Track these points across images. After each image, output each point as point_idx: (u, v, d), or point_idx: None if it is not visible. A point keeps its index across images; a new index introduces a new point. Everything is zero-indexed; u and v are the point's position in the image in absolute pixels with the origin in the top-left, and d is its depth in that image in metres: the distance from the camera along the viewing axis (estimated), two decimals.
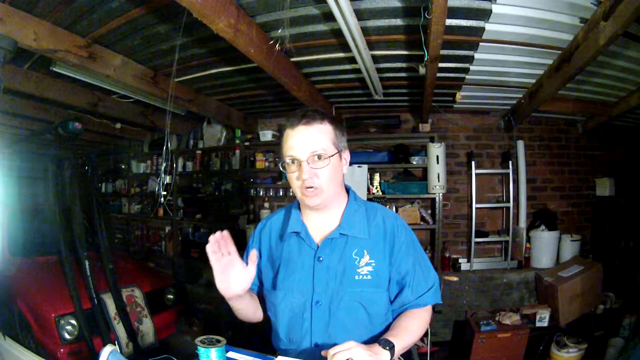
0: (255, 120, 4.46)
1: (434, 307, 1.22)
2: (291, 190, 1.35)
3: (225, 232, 1.04)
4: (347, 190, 1.22)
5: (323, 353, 0.92)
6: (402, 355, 1.10)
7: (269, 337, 1.24)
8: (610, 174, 3.83)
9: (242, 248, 1.36)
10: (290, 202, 1.32)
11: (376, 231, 1.14)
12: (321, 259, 1.11)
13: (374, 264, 1.10)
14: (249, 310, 1.19)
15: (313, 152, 1.06)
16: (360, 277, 1.09)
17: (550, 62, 2.52)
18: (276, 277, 1.16)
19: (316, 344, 1.09)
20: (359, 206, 1.18)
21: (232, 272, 1.04)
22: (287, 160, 1.08)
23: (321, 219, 1.16)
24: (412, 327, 1.08)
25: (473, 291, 3.56)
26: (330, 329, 1.08)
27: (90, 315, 2.65)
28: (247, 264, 1.25)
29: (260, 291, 1.24)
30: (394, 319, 1.13)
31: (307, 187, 1.06)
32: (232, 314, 1.26)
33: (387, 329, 1.10)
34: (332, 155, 1.07)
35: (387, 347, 0.96)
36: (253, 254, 1.06)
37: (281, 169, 1.13)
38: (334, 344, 0.93)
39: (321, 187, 1.07)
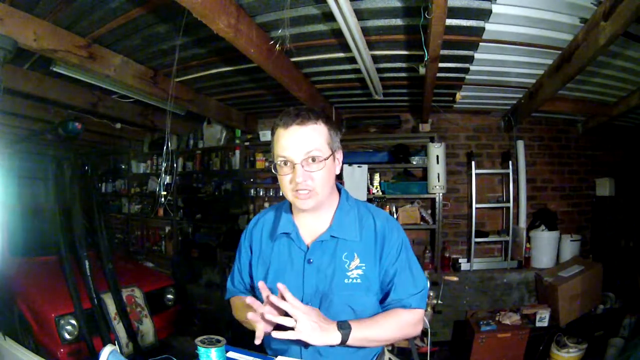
0: (255, 120, 4.46)
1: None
2: None
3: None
4: (339, 189, 1.19)
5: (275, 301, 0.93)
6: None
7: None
8: (610, 174, 3.83)
9: None
10: None
11: (367, 233, 1.11)
12: (311, 261, 1.09)
13: (364, 268, 1.08)
14: None
15: (307, 154, 1.01)
16: (350, 280, 1.07)
17: (550, 62, 2.52)
18: (266, 277, 1.14)
19: (305, 345, 1.06)
20: (351, 207, 1.15)
21: None
22: (279, 161, 1.04)
23: (312, 220, 1.13)
24: (385, 323, 1.05)
25: (473, 291, 3.56)
26: None
27: (90, 315, 2.64)
28: (241, 259, 1.25)
29: (252, 289, 1.23)
30: None
31: (300, 190, 1.03)
32: (231, 313, 1.26)
33: None
34: (327, 158, 1.03)
35: (341, 329, 0.96)
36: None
37: (272, 170, 1.07)
38: (322, 348, 0.91)
39: (315, 190, 1.03)
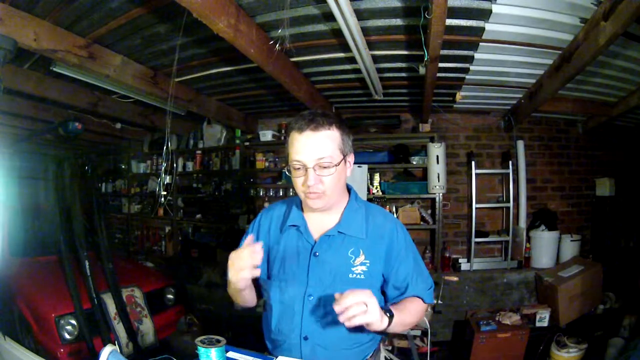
0: (255, 120, 4.46)
1: (433, 308, 1.25)
2: (291, 190, 1.37)
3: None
4: (349, 189, 1.22)
5: (337, 296, 0.92)
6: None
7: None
8: (610, 174, 3.83)
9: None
10: None
11: (374, 232, 1.15)
12: (317, 254, 1.12)
13: (368, 264, 1.11)
14: (250, 294, 1.19)
15: (319, 160, 1.05)
16: (354, 275, 1.10)
17: (550, 62, 2.52)
18: (272, 268, 1.17)
19: (305, 337, 1.09)
20: (360, 206, 1.18)
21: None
22: (294, 164, 1.08)
23: (321, 216, 1.17)
24: (410, 309, 1.11)
25: (473, 291, 3.56)
26: (321, 323, 1.09)
27: (90, 315, 2.64)
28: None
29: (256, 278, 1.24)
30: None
31: (311, 192, 1.07)
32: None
33: None
34: (337, 164, 1.07)
35: (388, 315, 0.99)
36: (249, 239, 1.09)
37: (286, 172, 1.12)
38: (324, 338, 0.93)
39: (325, 192, 1.08)
